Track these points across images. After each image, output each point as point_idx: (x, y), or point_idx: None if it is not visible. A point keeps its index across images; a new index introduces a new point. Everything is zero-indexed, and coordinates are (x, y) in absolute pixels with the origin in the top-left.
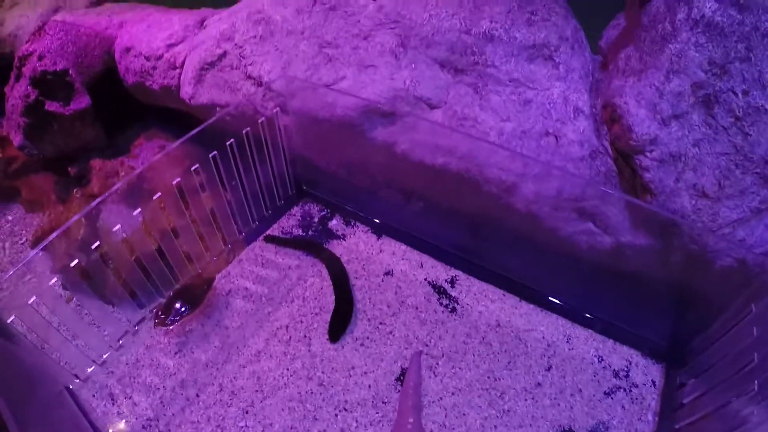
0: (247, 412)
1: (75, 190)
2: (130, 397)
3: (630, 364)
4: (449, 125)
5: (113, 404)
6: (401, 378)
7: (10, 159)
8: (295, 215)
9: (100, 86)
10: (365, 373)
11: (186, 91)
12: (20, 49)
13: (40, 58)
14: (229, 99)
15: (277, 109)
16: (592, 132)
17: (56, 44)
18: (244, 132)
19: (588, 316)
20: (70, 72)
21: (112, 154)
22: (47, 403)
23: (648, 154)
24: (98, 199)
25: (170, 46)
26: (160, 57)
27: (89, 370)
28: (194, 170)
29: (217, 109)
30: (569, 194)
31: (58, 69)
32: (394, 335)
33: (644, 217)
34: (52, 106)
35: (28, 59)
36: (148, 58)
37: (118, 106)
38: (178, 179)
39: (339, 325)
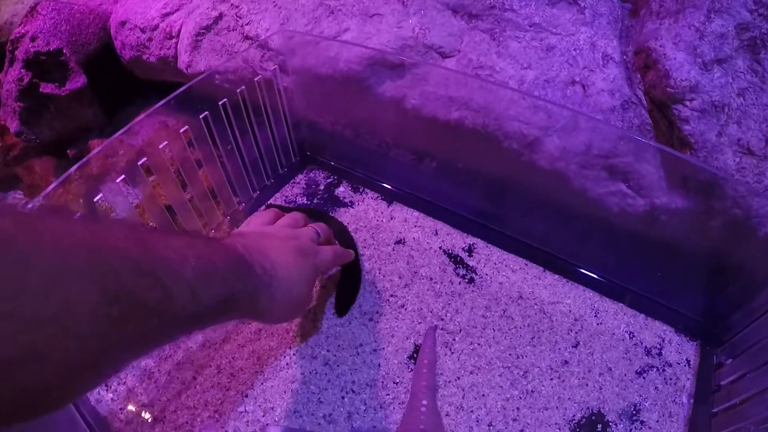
0: (246, 396)
1: (74, 172)
2: (124, 383)
3: (663, 341)
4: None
5: (107, 390)
6: (414, 356)
7: (8, 147)
8: (299, 183)
9: (97, 64)
10: (375, 350)
11: (183, 60)
12: (12, 33)
13: (33, 39)
14: (228, 65)
15: (276, 67)
16: (623, 80)
17: (49, 24)
18: (238, 91)
19: (618, 288)
20: (65, 51)
21: (112, 134)
22: None
23: (688, 103)
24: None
25: (165, 15)
26: (156, 27)
27: None
28: (190, 141)
29: (216, 76)
30: (599, 149)
31: (51, 49)
32: (406, 309)
33: (683, 174)
34: (47, 88)
35: (20, 41)
36: (143, 30)
37: (117, 84)
38: (168, 148)
39: (346, 298)
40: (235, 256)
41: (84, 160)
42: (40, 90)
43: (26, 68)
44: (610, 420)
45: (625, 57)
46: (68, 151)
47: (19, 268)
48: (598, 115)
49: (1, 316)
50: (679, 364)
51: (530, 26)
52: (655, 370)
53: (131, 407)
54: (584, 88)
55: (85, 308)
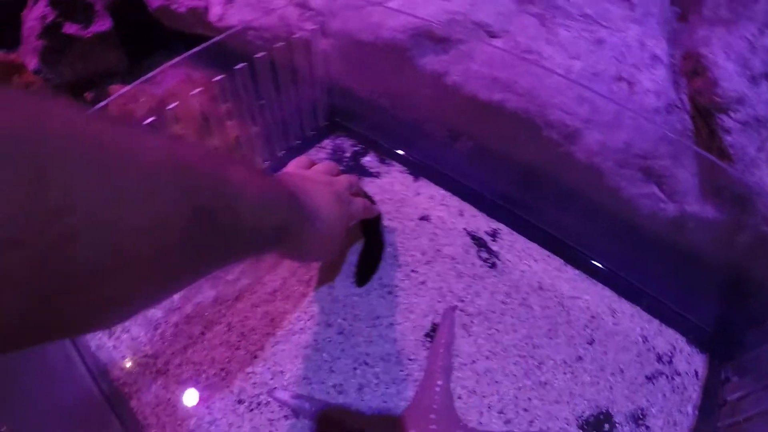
0: (255, 357)
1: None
2: (128, 331)
3: (674, 349)
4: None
5: (109, 337)
6: (431, 334)
7: (27, 84)
8: (325, 148)
9: (123, 10)
10: (392, 324)
11: (215, 12)
12: None
13: None
14: (263, 20)
15: (315, 28)
16: (669, 83)
17: None
18: (275, 47)
19: (636, 290)
20: None
21: (133, 81)
22: None
23: (732, 114)
24: None
25: None
26: None
27: None
28: (220, 93)
29: (250, 33)
30: (639, 149)
31: None
32: (426, 286)
33: (719, 185)
34: (71, 29)
35: None
36: None
37: (142, 32)
38: (197, 98)
39: (367, 268)
40: (287, 191)
41: (103, 103)
42: (63, 30)
43: (51, 6)
44: (617, 421)
45: (672, 60)
46: (86, 94)
47: (117, 180)
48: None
49: (103, 225)
50: (687, 374)
51: (581, 16)
52: (664, 377)
53: (134, 357)
54: (630, 86)
55: (177, 221)
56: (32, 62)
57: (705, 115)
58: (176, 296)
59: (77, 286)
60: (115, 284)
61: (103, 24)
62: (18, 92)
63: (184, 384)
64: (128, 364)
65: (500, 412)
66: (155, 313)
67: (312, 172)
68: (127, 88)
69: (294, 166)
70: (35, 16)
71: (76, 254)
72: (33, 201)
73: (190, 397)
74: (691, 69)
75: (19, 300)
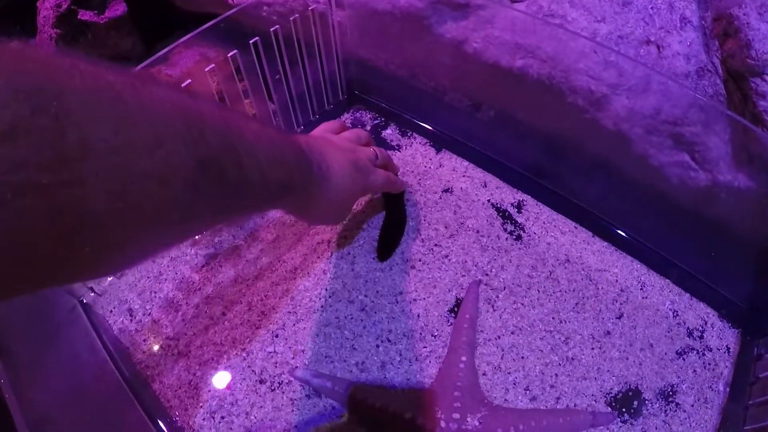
0: (277, 336)
1: None
2: (150, 314)
3: (705, 324)
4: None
5: (131, 320)
6: (455, 309)
7: None
8: (345, 122)
9: None
10: (414, 300)
11: None
12: None
13: None
14: None
15: None
16: (700, 45)
17: None
18: (291, 19)
19: (666, 262)
20: None
21: (150, 65)
22: (58, 321)
23: (767, 77)
24: None
25: None
26: None
27: (107, 282)
28: (237, 69)
29: (264, 8)
30: (668, 115)
31: None
32: (450, 260)
33: (752, 152)
34: (85, 15)
35: None
36: None
37: (157, 15)
38: (213, 74)
39: (389, 243)
40: (299, 149)
41: None
42: (78, 17)
43: None
44: (646, 398)
45: (703, 22)
46: None
47: (127, 125)
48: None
49: (118, 169)
50: (719, 350)
51: None
52: (695, 352)
53: (155, 339)
54: (659, 49)
55: (182, 169)
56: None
57: (737, 79)
58: (196, 276)
59: (89, 227)
60: (124, 226)
61: (117, 9)
62: (42, 49)
63: (205, 365)
64: (150, 347)
65: (526, 389)
66: (176, 294)
67: (338, 137)
68: (140, 67)
69: (322, 129)
70: (50, 5)
71: (87, 197)
72: (52, 147)
73: (212, 378)
74: (722, 31)
75: (38, 240)
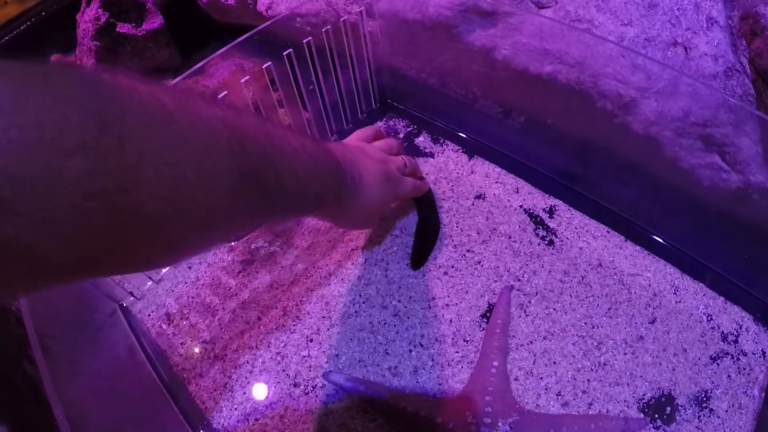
0: (311, 340)
1: None
2: (187, 318)
3: (740, 327)
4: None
5: (169, 324)
6: (487, 315)
7: None
8: (379, 127)
9: (174, 6)
10: (447, 305)
11: (263, 2)
12: None
13: None
14: (310, 6)
15: (362, 9)
16: (728, 46)
17: None
18: (324, 30)
19: (699, 266)
20: None
21: (188, 76)
22: (99, 325)
23: None
24: None
25: None
26: None
27: (146, 286)
28: (272, 81)
29: (297, 20)
30: (698, 117)
31: None
32: (482, 266)
33: None
34: (123, 28)
35: None
36: None
37: (193, 27)
38: (249, 85)
39: (422, 251)
40: (334, 161)
41: None
42: (117, 30)
43: (103, 8)
44: (679, 404)
45: (730, 22)
46: None
47: (177, 141)
48: (699, 81)
49: (170, 179)
50: (754, 354)
51: None
52: (729, 357)
53: (192, 343)
54: (686, 51)
55: (226, 179)
56: (89, 63)
57: (766, 77)
58: (233, 282)
59: (143, 227)
60: (173, 227)
61: (154, 21)
62: (107, 73)
63: (240, 368)
64: (187, 350)
65: (558, 394)
66: (213, 299)
67: (371, 147)
68: (178, 79)
69: (356, 138)
70: (89, 18)
71: (142, 202)
72: (114, 160)
73: (247, 382)
74: (749, 30)
75: (101, 234)
